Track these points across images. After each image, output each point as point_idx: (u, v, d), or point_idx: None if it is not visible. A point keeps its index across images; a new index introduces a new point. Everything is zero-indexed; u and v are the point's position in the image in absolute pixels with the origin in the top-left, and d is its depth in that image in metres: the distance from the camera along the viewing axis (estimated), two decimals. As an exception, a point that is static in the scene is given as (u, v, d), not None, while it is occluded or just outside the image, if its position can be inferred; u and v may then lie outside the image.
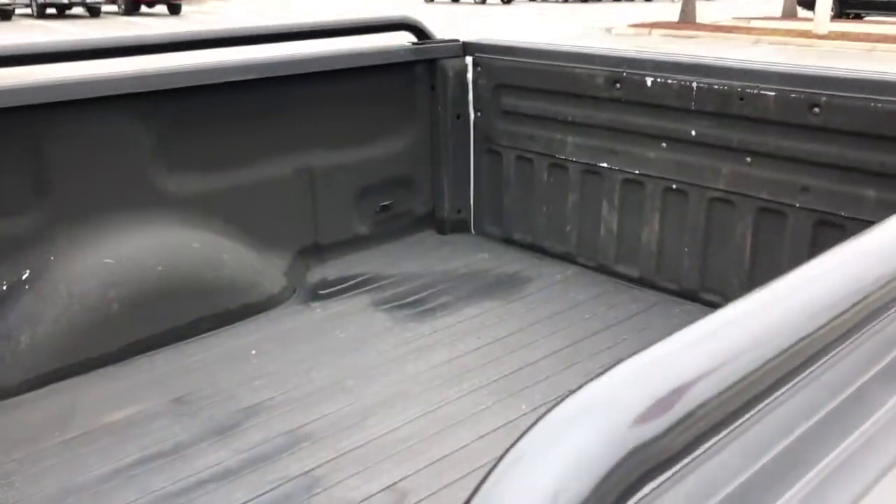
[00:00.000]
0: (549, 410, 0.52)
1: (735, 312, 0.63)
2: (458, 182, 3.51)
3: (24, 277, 2.45)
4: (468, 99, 3.40)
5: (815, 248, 2.51)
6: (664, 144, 2.81)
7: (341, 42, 3.18)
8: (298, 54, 2.97)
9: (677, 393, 0.53)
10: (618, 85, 2.88)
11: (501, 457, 0.50)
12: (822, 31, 19.54)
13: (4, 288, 2.43)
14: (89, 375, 2.48)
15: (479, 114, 3.41)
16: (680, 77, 2.71)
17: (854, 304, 0.67)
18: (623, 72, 2.86)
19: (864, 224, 2.39)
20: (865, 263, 0.71)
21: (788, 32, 20.07)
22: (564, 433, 0.50)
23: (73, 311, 2.46)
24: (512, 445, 0.50)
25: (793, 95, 2.46)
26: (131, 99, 2.58)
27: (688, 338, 0.59)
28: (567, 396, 0.53)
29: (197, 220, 2.81)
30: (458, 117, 3.41)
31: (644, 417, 0.51)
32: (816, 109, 2.42)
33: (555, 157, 3.16)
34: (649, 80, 2.79)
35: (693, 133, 2.72)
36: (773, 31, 20.42)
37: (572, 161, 3.11)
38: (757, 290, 0.67)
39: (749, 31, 20.96)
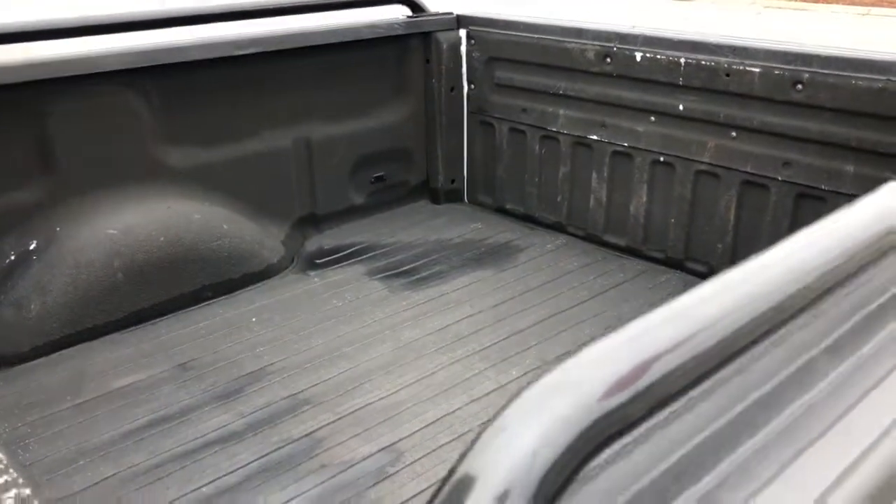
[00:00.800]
0: (527, 385, 0.62)
1: (689, 301, 0.73)
2: (451, 153, 3.58)
3: (31, 248, 2.53)
4: (462, 72, 3.46)
5: (796, 219, 2.61)
6: (653, 118, 2.89)
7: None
8: (296, 28, 3.02)
9: (638, 371, 0.62)
10: (608, 59, 2.95)
11: (488, 423, 0.60)
12: (818, -6, 19.45)
13: (13, 257, 2.51)
14: (97, 342, 2.57)
15: (472, 86, 3.47)
16: (669, 53, 2.78)
17: (799, 290, 0.77)
18: (613, 46, 2.92)
19: (843, 197, 2.48)
20: (809, 254, 0.81)
21: (784, -4, 19.97)
22: (541, 405, 0.60)
23: (79, 281, 2.55)
24: (497, 414, 0.60)
25: (777, 72, 2.54)
26: (132, 74, 2.64)
27: (646, 323, 0.69)
28: (543, 374, 0.63)
29: (197, 191, 2.88)
30: (451, 90, 3.47)
31: (608, 392, 0.61)
32: (800, 86, 2.50)
33: (546, 129, 3.24)
34: (639, 56, 2.85)
35: (680, 107, 2.80)
36: (769, -5, 20.31)
37: (563, 133, 3.18)
38: (710, 280, 0.76)
39: (745, -6, 20.84)
